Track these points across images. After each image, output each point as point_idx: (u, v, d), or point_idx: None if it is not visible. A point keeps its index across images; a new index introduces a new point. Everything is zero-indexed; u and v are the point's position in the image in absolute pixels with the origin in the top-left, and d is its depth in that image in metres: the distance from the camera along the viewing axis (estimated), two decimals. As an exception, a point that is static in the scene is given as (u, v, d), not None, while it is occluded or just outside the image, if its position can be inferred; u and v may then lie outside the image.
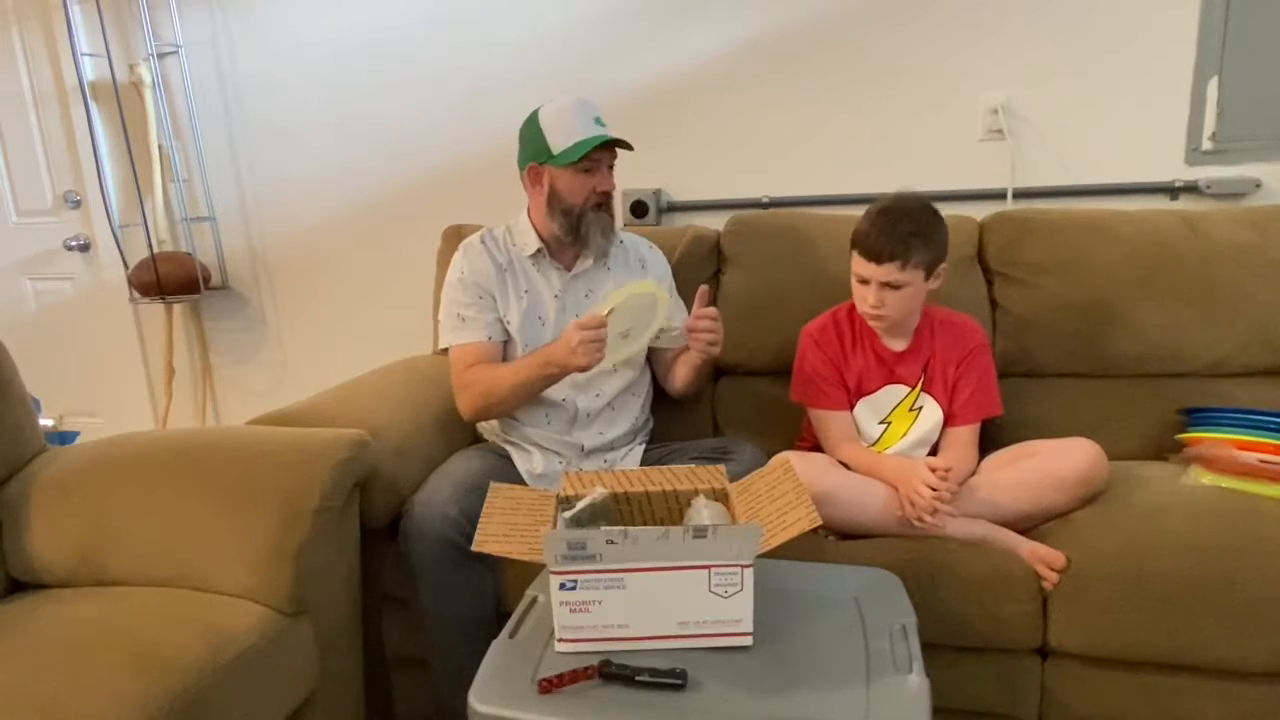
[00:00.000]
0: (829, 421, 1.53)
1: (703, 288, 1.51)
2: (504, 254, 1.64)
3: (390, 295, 2.41)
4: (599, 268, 1.65)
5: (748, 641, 1.02)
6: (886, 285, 1.41)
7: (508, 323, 1.61)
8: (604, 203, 1.57)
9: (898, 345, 1.53)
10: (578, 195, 1.54)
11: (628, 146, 1.55)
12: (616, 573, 0.99)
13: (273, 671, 1.19)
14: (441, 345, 1.65)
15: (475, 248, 1.64)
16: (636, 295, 1.42)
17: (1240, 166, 1.83)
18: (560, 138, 1.51)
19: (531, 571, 1.19)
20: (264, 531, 1.24)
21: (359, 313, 2.47)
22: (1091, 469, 1.37)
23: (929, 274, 1.43)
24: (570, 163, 1.51)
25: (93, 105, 2.45)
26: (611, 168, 1.57)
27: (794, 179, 2.06)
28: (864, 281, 1.44)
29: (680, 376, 1.67)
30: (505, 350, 1.63)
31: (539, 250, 1.62)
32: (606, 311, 1.39)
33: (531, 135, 1.55)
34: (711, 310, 1.49)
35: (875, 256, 1.41)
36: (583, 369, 1.44)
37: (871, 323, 1.48)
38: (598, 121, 1.53)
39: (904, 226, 1.39)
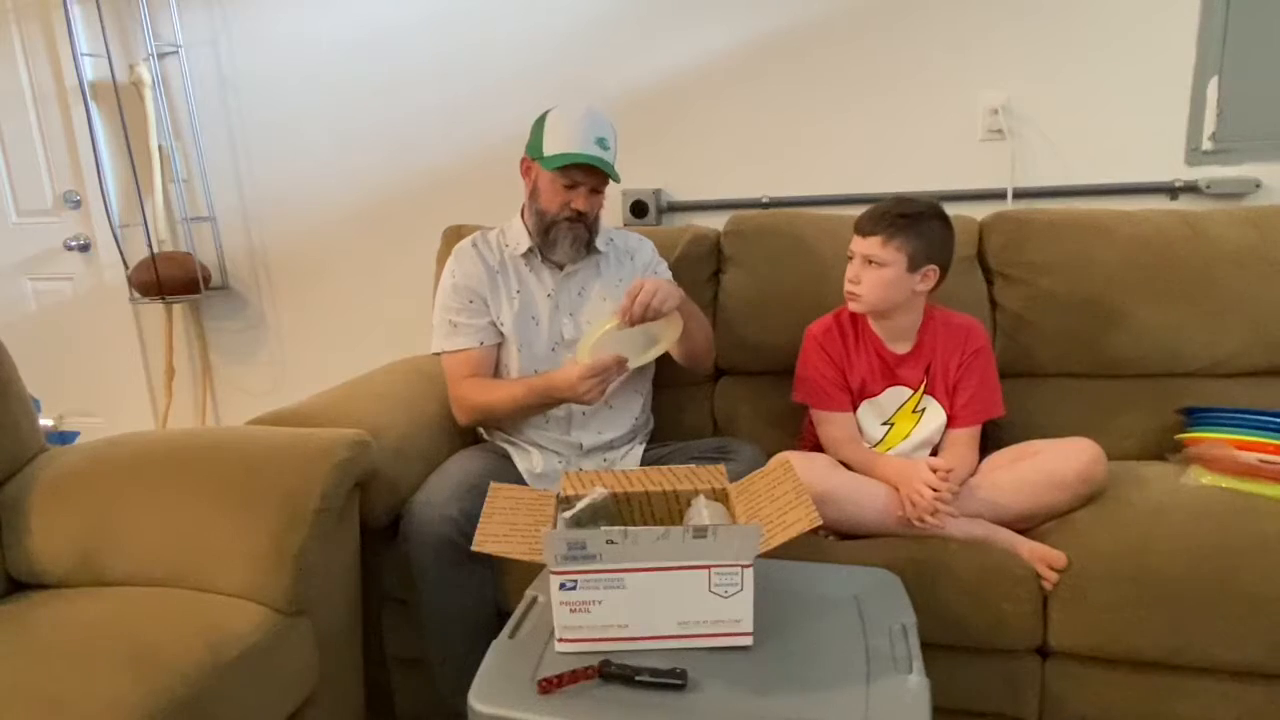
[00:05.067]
0: (831, 422, 1.53)
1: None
2: (496, 255, 1.64)
3: (390, 295, 2.41)
4: (590, 266, 1.65)
5: (748, 641, 1.02)
6: (868, 262, 1.44)
7: (501, 324, 1.61)
8: (578, 218, 1.55)
9: (900, 347, 1.53)
10: (552, 203, 1.55)
11: (612, 177, 1.53)
12: (616, 573, 0.99)
13: (273, 671, 1.19)
14: (434, 350, 1.65)
15: (466, 251, 1.65)
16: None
17: (1240, 166, 1.83)
18: (553, 143, 1.51)
19: (531, 571, 1.19)
20: (264, 531, 1.23)
21: (359, 313, 2.47)
22: (1091, 469, 1.37)
23: (913, 266, 1.43)
24: (550, 170, 1.51)
25: (93, 105, 2.45)
26: (597, 191, 1.55)
27: (794, 179, 2.06)
28: (851, 257, 1.48)
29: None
30: (500, 352, 1.64)
31: (530, 249, 1.62)
32: (610, 324, 1.41)
33: (535, 128, 1.56)
34: (635, 290, 1.41)
35: (862, 229, 1.46)
36: (589, 405, 1.48)
37: (850, 303, 1.50)
38: (600, 143, 1.50)
39: (899, 209, 1.43)
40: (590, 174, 1.52)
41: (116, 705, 0.96)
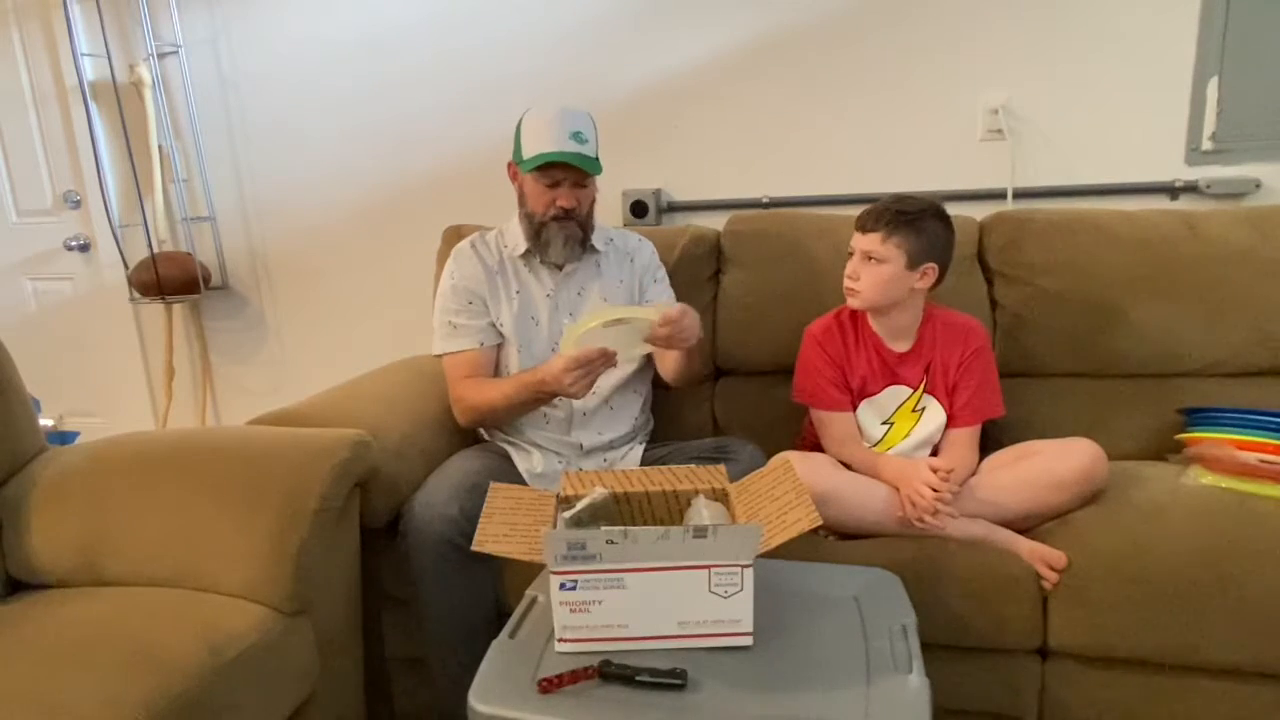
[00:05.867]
0: (831, 422, 1.53)
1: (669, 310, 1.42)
2: (494, 256, 1.64)
3: (390, 295, 2.41)
4: (589, 266, 1.65)
5: (748, 641, 1.02)
6: (867, 258, 1.45)
7: (500, 325, 1.62)
8: (567, 216, 1.55)
9: (900, 346, 1.53)
10: (538, 204, 1.55)
11: (589, 170, 1.52)
12: (616, 573, 0.99)
13: (273, 671, 1.19)
14: (435, 353, 1.65)
15: (465, 252, 1.65)
16: (627, 319, 1.41)
17: (1240, 166, 1.83)
18: (530, 145, 1.52)
19: (531, 571, 1.19)
20: (264, 531, 1.23)
21: (359, 313, 2.47)
22: (1091, 469, 1.37)
23: (912, 264, 1.44)
24: (530, 171, 1.51)
25: (93, 105, 2.45)
26: (581, 185, 1.55)
27: (794, 179, 2.06)
28: (851, 253, 1.49)
29: (668, 368, 1.64)
30: (500, 352, 1.64)
31: (529, 250, 1.62)
32: (595, 322, 1.38)
33: (515, 135, 1.57)
34: (672, 315, 1.39)
35: (862, 226, 1.47)
36: (576, 398, 1.46)
37: (849, 299, 1.50)
38: (576, 137, 1.50)
39: (899, 207, 1.44)
40: (570, 169, 1.52)
41: (116, 705, 0.96)
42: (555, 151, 1.49)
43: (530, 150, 1.51)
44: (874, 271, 1.45)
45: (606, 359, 1.41)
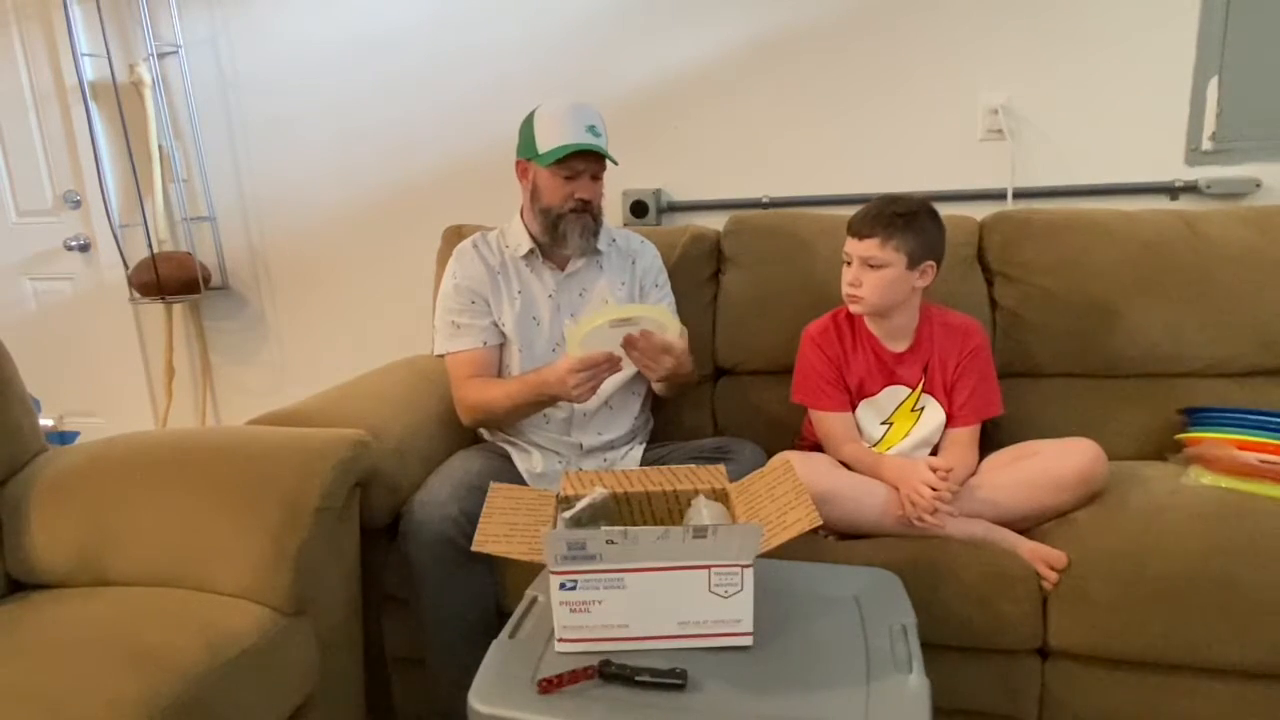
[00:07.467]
0: (830, 422, 1.53)
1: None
2: (496, 256, 1.64)
3: (390, 295, 2.41)
4: (592, 266, 1.65)
5: (748, 641, 1.02)
6: (866, 264, 1.44)
7: (502, 325, 1.62)
8: (584, 207, 1.56)
9: (898, 346, 1.53)
10: (555, 197, 1.55)
11: (609, 159, 1.54)
12: (616, 573, 0.99)
13: (273, 671, 1.19)
14: (437, 352, 1.65)
15: (467, 252, 1.65)
16: (632, 319, 1.40)
17: (1240, 166, 1.83)
18: (546, 138, 1.52)
19: (531, 571, 1.19)
20: (264, 531, 1.23)
21: (359, 313, 2.47)
22: (1091, 469, 1.37)
23: (912, 263, 1.43)
24: (549, 164, 1.51)
25: (93, 105, 2.45)
26: (597, 178, 1.56)
27: (793, 179, 2.06)
28: (849, 262, 1.48)
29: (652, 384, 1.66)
30: (502, 352, 1.64)
31: (531, 250, 1.62)
32: (600, 320, 1.37)
33: (525, 130, 1.56)
34: (654, 341, 1.40)
35: (858, 232, 1.45)
36: (578, 402, 1.46)
37: (852, 306, 1.50)
38: (591, 130, 1.51)
39: (893, 209, 1.43)
40: (589, 161, 1.53)
41: (116, 705, 0.96)
42: (578, 142, 1.49)
43: (547, 144, 1.51)
44: (876, 276, 1.44)
45: (612, 364, 1.41)
